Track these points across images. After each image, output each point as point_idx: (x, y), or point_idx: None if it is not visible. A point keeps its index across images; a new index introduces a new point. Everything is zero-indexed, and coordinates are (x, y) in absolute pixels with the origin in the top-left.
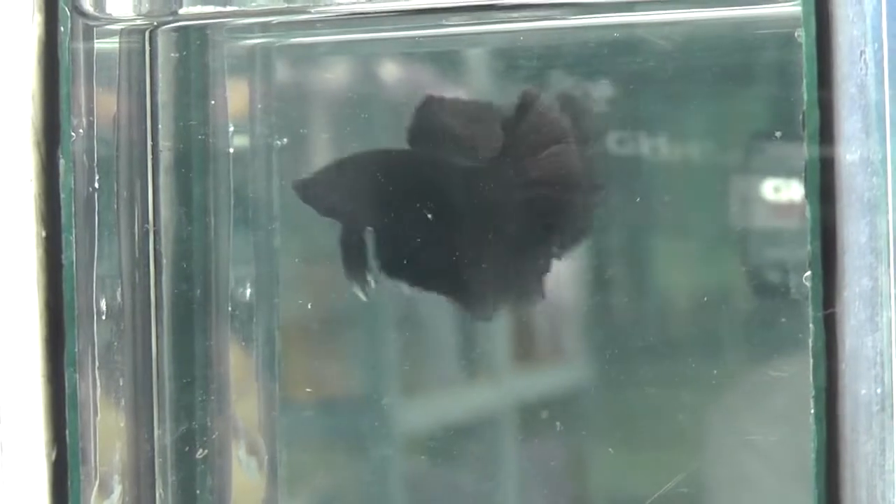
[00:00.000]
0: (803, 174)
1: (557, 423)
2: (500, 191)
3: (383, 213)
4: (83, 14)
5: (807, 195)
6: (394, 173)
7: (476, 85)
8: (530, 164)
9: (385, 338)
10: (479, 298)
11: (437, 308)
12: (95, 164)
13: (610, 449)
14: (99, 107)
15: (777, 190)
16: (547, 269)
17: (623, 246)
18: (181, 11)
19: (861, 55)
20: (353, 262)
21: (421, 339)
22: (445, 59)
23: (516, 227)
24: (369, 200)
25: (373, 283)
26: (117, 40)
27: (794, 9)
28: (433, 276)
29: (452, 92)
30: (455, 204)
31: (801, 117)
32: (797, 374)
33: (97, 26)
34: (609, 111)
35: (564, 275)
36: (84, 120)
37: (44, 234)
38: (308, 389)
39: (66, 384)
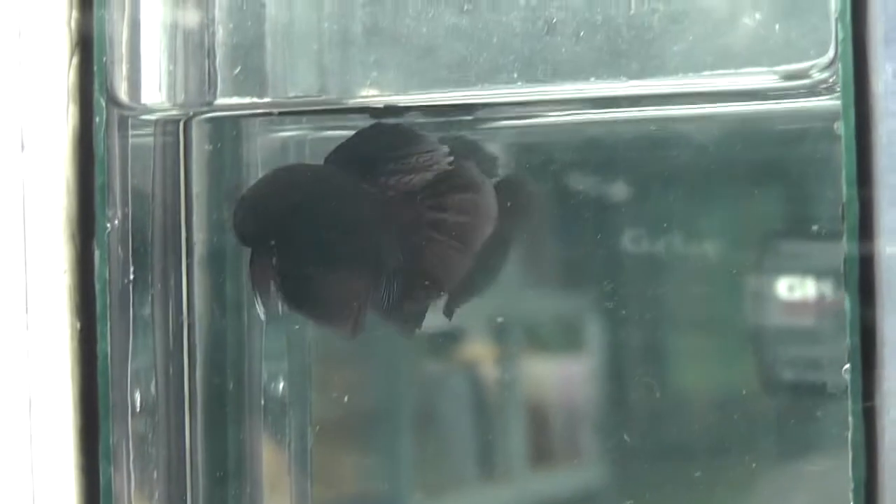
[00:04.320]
0: (842, 268)
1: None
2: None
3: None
4: (118, 104)
5: (846, 288)
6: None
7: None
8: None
9: (411, 437)
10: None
11: (460, 407)
12: (130, 256)
13: None
14: (134, 198)
15: (805, 286)
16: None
17: (644, 344)
18: (216, 102)
19: None
20: (259, 280)
21: (446, 439)
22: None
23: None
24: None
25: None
26: (152, 131)
27: (832, 102)
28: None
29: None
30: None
31: (840, 210)
32: (827, 471)
33: (132, 116)
34: (641, 205)
35: (582, 374)
36: (119, 211)
37: (78, 325)
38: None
39: (101, 476)
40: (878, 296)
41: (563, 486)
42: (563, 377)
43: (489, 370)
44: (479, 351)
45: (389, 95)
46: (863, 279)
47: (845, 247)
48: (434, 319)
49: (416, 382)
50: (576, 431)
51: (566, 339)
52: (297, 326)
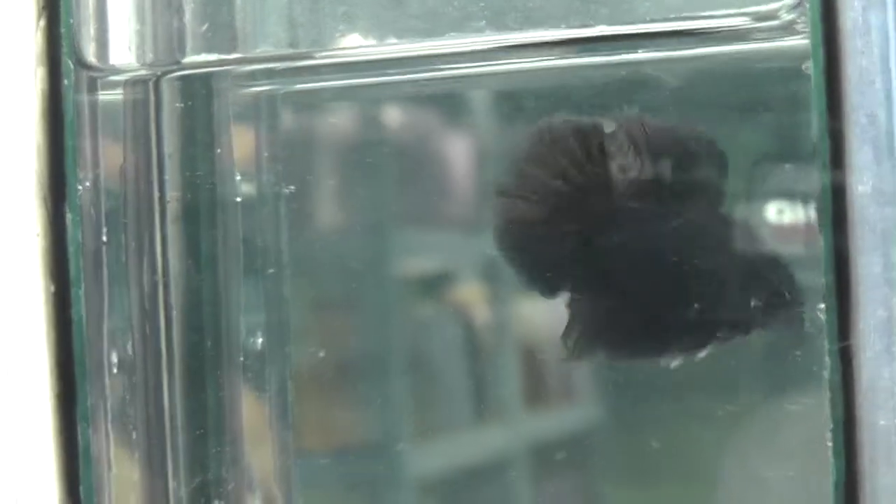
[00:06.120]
0: (815, 207)
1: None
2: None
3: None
4: (86, 66)
5: (820, 227)
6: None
7: (481, 127)
8: None
9: (396, 383)
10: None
11: (447, 351)
12: (103, 217)
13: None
14: (105, 159)
15: (781, 213)
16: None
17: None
18: (185, 60)
19: (871, 85)
20: None
21: (433, 383)
22: (451, 101)
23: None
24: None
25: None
26: (121, 91)
27: (801, 42)
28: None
29: (457, 134)
30: None
31: (811, 149)
32: (810, 408)
33: (101, 78)
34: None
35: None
36: (90, 173)
37: (52, 289)
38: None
39: (80, 439)
40: (851, 235)
41: (555, 427)
42: (553, 317)
43: (479, 312)
44: (469, 293)
45: (360, 48)
46: (836, 219)
47: (818, 185)
48: (421, 262)
49: (406, 326)
50: (567, 371)
51: None
52: (271, 270)
